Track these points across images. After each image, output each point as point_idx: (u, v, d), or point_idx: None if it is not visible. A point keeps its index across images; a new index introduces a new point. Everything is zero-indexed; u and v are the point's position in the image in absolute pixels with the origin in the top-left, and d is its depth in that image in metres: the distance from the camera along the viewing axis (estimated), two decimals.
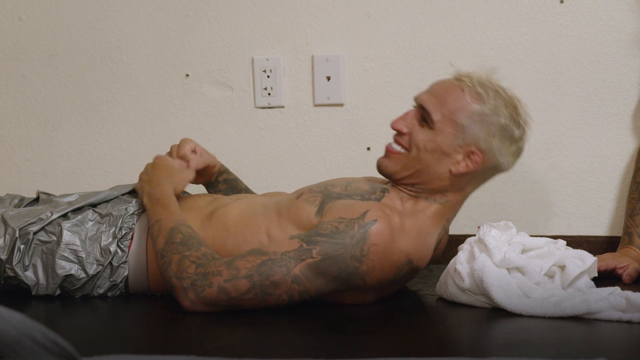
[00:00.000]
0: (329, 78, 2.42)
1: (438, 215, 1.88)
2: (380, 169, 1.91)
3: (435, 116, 1.84)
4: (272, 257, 1.76)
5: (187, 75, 2.48)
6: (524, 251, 1.82)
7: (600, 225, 2.34)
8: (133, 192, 2.10)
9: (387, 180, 1.94)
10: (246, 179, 2.42)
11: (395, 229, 1.80)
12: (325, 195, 1.88)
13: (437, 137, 1.84)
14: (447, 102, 1.85)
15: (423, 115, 1.87)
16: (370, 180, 2.00)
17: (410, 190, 1.89)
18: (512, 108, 1.85)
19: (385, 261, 1.79)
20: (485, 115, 1.84)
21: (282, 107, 2.44)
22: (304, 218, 1.85)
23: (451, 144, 1.83)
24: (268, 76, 2.43)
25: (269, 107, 2.45)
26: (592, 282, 1.84)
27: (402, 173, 1.88)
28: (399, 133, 1.89)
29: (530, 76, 2.34)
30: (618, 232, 2.29)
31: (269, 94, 2.44)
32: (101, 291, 1.96)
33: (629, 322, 1.63)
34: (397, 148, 1.88)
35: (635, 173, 2.19)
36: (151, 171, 2.02)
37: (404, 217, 1.82)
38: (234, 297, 1.77)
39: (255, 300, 1.77)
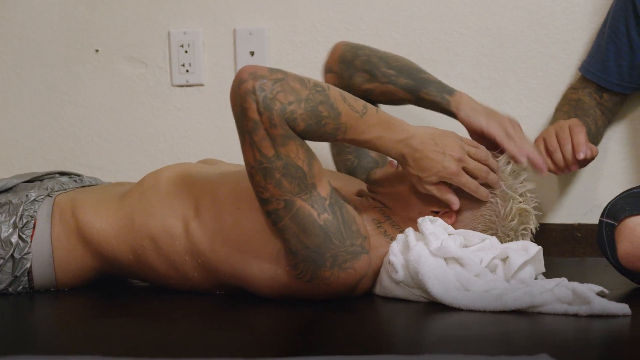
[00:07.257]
0: (252, 53, 2.39)
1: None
2: (369, 173, 1.91)
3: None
4: None
5: (97, 50, 2.46)
6: (465, 246, 1.80)
7: (550, 213, 2.30)
8: (35, 180, 2.04)
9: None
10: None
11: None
12: None
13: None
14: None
15: None
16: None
17: (380, 211, 1.86)
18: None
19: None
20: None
21: (202, 85, 2.42)
22: None
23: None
24: (186, 51, 2.41)
25: (187, 85, 2.43)
26: (542, 276, 1.82)
27: (380, 187, 1.87)
28: None
29: (473, 51, 2.32)
30: (572, 220, 2.29)
31: (187, 70, 2.42)
32: (2, 287, 1.89)
33: (575, 315, 1.62)
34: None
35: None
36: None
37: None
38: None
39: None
